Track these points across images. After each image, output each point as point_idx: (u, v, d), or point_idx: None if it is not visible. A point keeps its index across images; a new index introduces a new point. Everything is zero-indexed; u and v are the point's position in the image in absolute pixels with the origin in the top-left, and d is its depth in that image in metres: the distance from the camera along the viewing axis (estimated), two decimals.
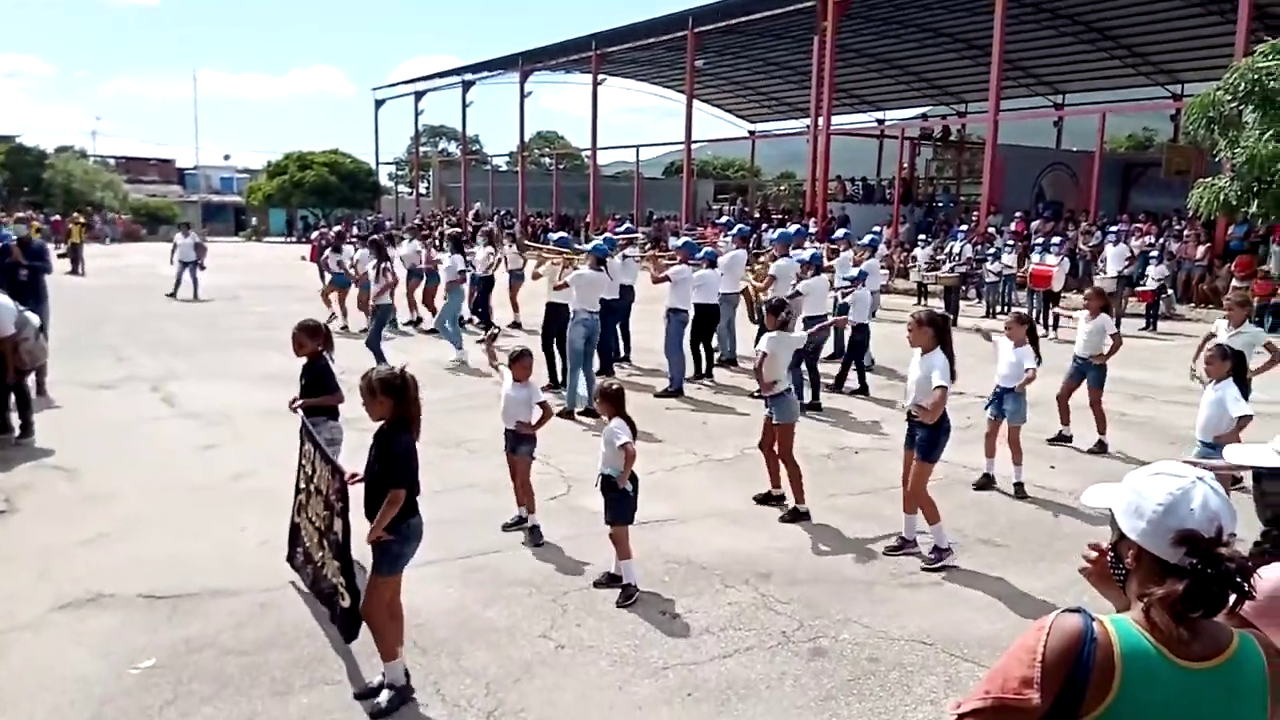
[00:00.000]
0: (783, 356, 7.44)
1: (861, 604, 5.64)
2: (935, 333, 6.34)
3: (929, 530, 6.36)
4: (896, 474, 7.97)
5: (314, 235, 29.60)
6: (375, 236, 16.36)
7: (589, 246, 12.27)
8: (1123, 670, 1.70)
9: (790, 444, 7.23)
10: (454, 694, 4.53)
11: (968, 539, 6.78)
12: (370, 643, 4.84)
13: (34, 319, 9.00)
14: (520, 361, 6.58)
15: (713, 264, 12.74)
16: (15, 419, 8.81)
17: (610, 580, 5.77)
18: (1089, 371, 9.39)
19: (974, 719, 1.77)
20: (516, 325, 16.97)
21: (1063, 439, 9.40)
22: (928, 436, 6.34)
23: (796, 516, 7.11)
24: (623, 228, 22.87)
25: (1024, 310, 8.88)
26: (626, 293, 13.46)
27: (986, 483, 7.96)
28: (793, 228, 16.42)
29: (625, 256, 13.92)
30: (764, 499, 7.48)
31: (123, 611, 5.35)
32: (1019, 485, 7.81)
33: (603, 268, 11.34)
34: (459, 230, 16.64)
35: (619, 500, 5.70)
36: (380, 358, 11.50)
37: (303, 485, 5.60)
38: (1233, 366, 6.84)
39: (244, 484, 7.64)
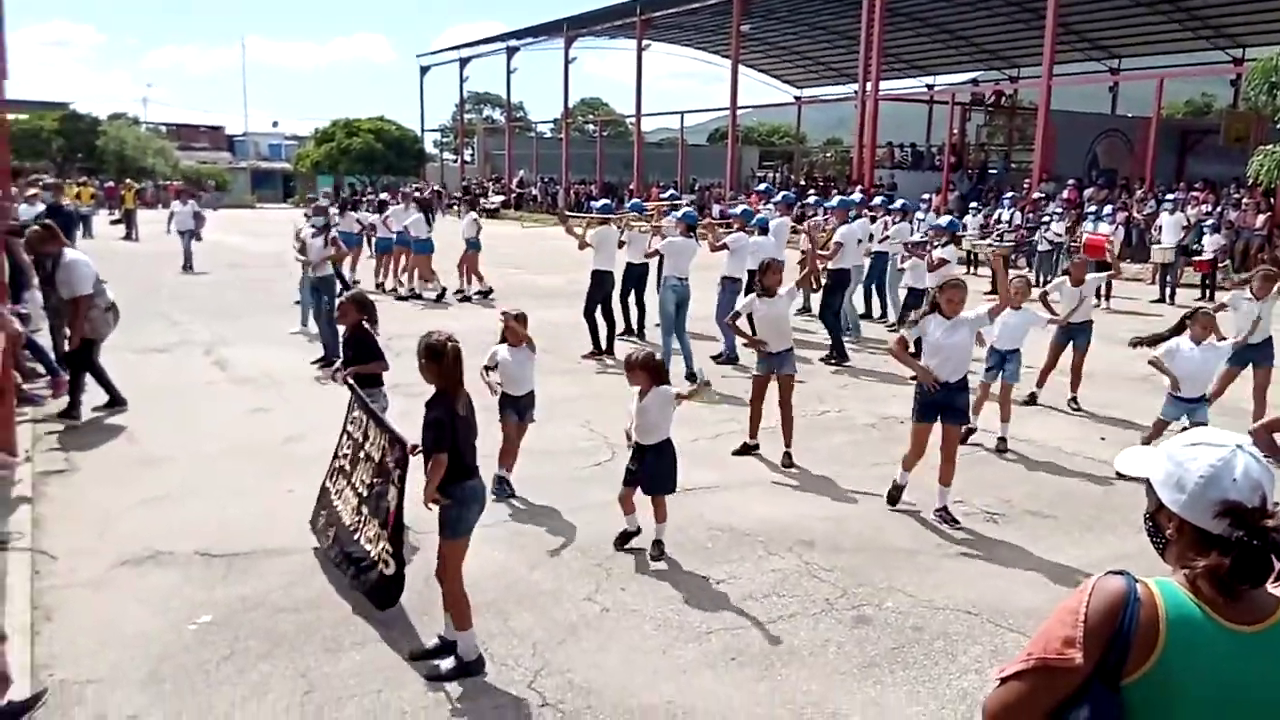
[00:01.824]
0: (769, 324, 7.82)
1: (906, 573, 5.63)
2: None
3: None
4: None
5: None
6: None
7: (680, 214, 12.62)
8: (1167, 632, 1.69)
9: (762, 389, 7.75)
10: (501, 654, 4.60)
11: (1014, 509, 6.74)
12: (418, 601, 4.94)
13: (110, 293, 8.74)
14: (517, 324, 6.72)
15: (765, 230, 12.73)
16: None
17: (653, 546, 5.77)
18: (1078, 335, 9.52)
19: (1017, 681, 1.78)
20: (482, 294, 16.92)
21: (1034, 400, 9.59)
22: (969, 400, 6.61)
23: (789, 461, 7.58)
24: (666, 194, 22.91)
25: (1027, 275, 9.15)
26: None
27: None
28: (856, 195, 16.37)
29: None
30: (743, 450, 7.80)
31: (180, 569, 5.50)
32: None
33: (693, 234, 11.58)
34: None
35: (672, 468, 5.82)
36: (333, 333, 10.66)
37: (346, 451, 5.64)
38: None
39: (293, 447, 7.77)
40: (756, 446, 7.82)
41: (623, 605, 5.15)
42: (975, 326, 6.56)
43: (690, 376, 10.03)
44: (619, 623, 4.96)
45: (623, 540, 5.87)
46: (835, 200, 14.70)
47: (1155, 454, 1.87)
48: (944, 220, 13.23)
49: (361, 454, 5.36)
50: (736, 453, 7.80)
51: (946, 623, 5.02)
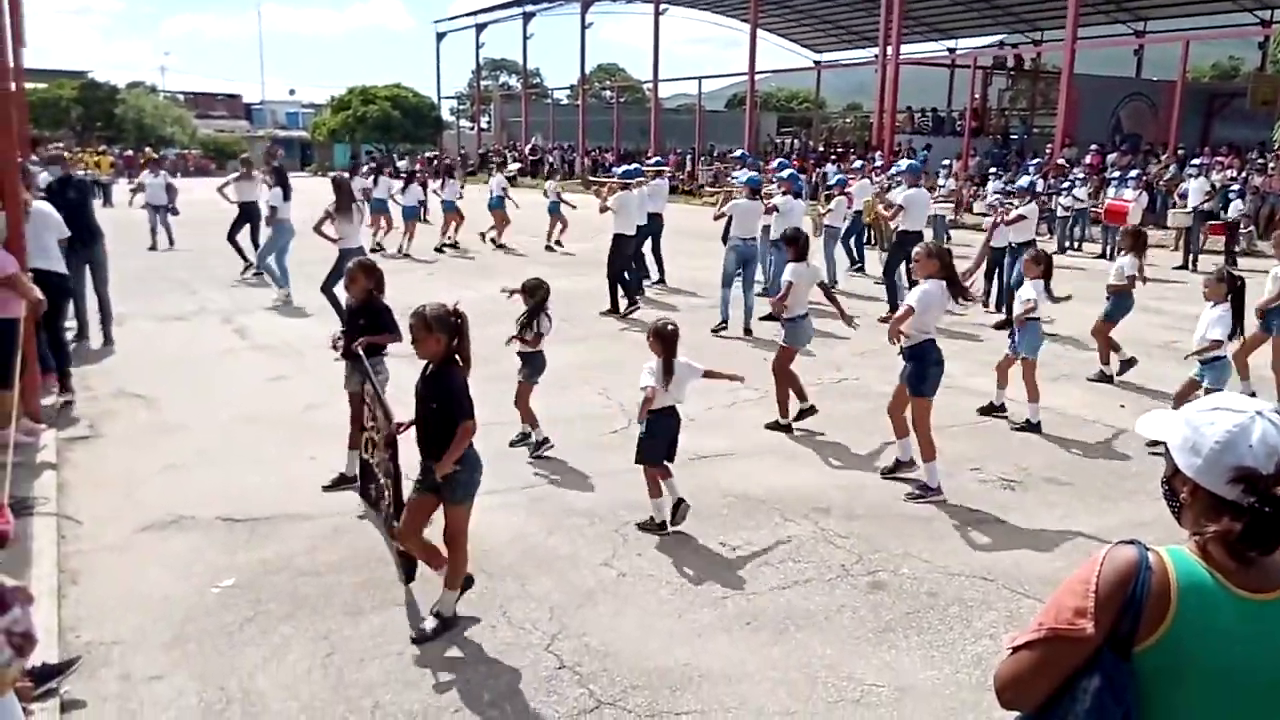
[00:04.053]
0: (805, 287, 7.84)
1: (921, 540, 5.65)
2: (941, 265, 6.40)
3: (922, 467, 6.38)
4: (961, 412, 7.96)
5: (365, 171, 24.75)
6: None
7: (744, 178, 13.11)
8: (1178, 600, 1.69)
9: (787, 361, 7.75)
10: (519, 617, 4.66)
11: (1031, 477, 6.73)
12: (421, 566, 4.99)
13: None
14: None
15: (798, 194, 12.78)
16: None
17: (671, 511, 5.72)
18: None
19: (1028, 651, 1.78)
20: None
21: (1104, 378, 9.29)
22: (914, 369, 6.35)
23: (777, 427, 7.66)
24: (653, 160, 23.32)
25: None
26: (655, 219, 14.09)
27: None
28: (908, 161, 16.73)
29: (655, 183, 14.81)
30: (778, 425, 7.74)
31: (203, 534, 5.57)
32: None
33: (758, 198, 12.06)
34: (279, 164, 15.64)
35: (639, 440, 5.73)
36: (335, 303, 10.81)
37: (368, 425, 5.64)
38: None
39: (313, 415, 7.83)
40: (803, 412, 7.82)
41: (639, 570, 5.19)
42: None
43: (748, 330, 11.19)
44: (635, 587, 5.00)
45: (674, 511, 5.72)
46: (905, 164, 15.49)
47: (1174, 418, 1.86)
48: (1024, 180, 14.36)
49: (373, 427, 5.36)
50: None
51: (961, 588, 5.04)
